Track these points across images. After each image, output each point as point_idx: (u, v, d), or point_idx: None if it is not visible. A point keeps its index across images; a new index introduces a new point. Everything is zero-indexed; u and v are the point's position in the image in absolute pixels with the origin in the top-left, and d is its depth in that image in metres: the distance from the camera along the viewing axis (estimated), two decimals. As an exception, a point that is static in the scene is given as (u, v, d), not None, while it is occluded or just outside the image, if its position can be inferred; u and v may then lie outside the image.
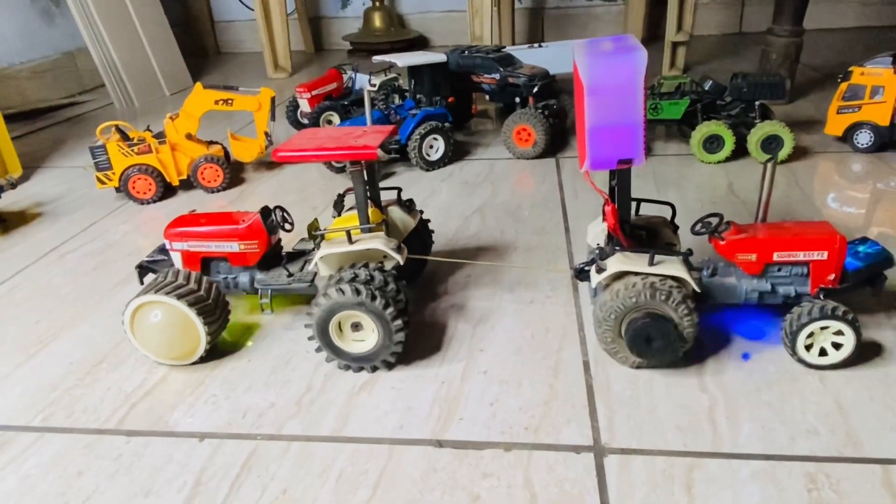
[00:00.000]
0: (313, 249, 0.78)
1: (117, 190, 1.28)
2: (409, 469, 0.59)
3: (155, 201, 1.27)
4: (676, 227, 0.77)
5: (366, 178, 0.75)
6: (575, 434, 0.61)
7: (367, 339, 0.71)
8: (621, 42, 0.64)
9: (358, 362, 0.71)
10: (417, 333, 0.78)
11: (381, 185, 0.90)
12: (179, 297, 0.71)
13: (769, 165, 0.71)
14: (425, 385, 0.69)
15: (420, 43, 2.77)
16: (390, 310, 0.68)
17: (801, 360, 0.67)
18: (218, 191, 1.30)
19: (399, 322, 0.69)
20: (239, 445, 0.63)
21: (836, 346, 0.66)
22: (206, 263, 0.82)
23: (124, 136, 1.26)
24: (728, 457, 0.57)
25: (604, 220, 0.70)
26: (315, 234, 0.76)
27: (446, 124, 1.34)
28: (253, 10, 2.31)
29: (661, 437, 0.60)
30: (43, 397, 0.72)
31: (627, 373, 0.69)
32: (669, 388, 0.66)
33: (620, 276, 0.67)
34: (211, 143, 1.35)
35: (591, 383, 0.68)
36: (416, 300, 0.86)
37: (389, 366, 0.72)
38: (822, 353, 0.67)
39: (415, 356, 0.74)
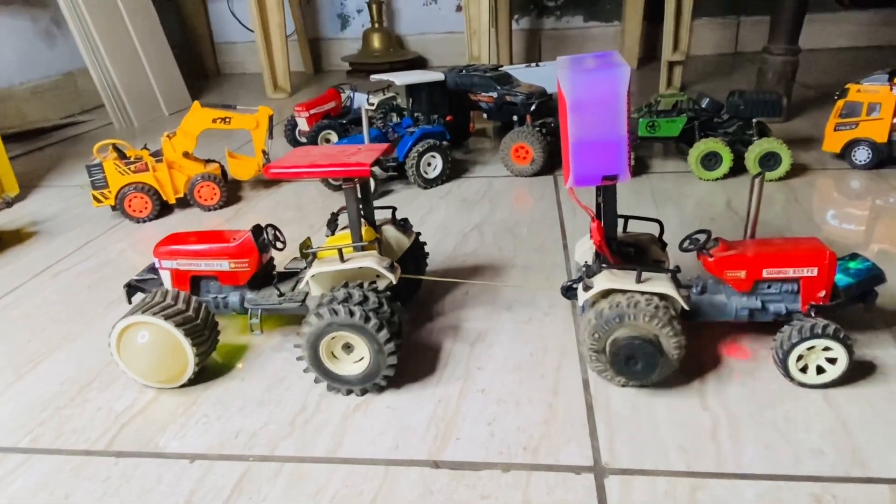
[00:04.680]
0: (305, 268, 0.77)
1: (113, 208, 1.28)
2: (405, 490, 0.57)
3: (151, 219, 1.27)
4: (665, 245, 0.76)
5: (359, 196, 0.74)
6: (575, 454, 0.60)
7: (358, 361, 0.69)
8: (605, 58, 0.64)
9: (348, 385, 0.69)
10: (414, 352, 0.77)
11: (378, 203, 0.90)
12: (167, 317, 0.70)
13: (757, 181, 0.70)
14: (422, 404, 0.68)
15: (419, 63, 2.80)
16: (384, 332, 0.66)
17: (800, 383, 0.66)
18: (215, 209, 1.29)
19: (392, 345, 0.67)
20: (230, 467, 0.61)
21: (832, 361, 0.65)
22: (195, 282, 0.81)
23: (121, 155, 1.26)
24: (732, 477, 0.56)
25: (591, 237, 0.69)
26: (307, 252, 0.75)
27: (444, 142, 1.34)
28: (253, 31, 2.33)
29: (663, 457, 0.59)
30: (32, 417, 0.70)
31: (628, 391, 0.67)
32: (671, 407, 0.65)
33: (607, 294, 0.66)
34: (208, 161, 1.35)
35: (591, 402, 0.66)
36: (413, 318, 0.85)
37: (380, 389, 0.70)
38: (820, 370, 0.65)
39: (411, 375, 0.73)
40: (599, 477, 0.57)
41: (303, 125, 1.58)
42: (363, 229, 0.74)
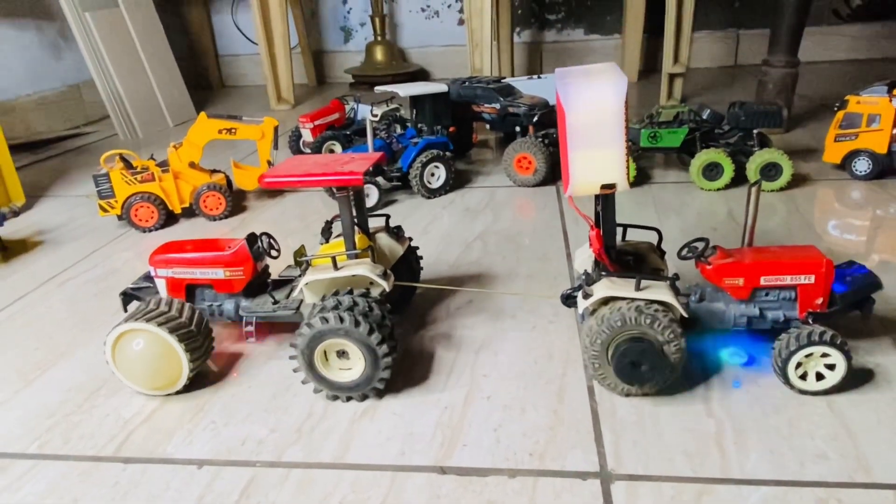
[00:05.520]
0: (299, 276, 0.77)
1: (119, 218, 1.28)
2: (412, 496, 0.57)
3: (157, 229, 1.28)
4: (663, 253, 0.77)
5: (353, 204, 0.74)
6: (581, 460, 0.60)
7: (353, 367, 0.69)
8: (602, 69, 0.65)
9: (347, 391, 0.70)
10: (419, 359, 0.78)
11: (381, 212, 0.90)
12: (160, 324, 0.70)
13: (753, 190, 0.71)
14: (427, 411, 0.68)
15: (421, 76, 2.82)
16: (375, 335, 0.67)
17: (800, 390, 0.66)
18: (220, 218, 1.30)
19: (385, 347, 0.67)
20: (238, 472, 0.61)
21: (831, 367, 0.65)
22: (190, 290, 0.81)
23: (128, 165, 1.27)
24: (737, 483, 0.56)
25: (590, 245, 0.70)
26: (301, 260, 0.76)
27: (447, 153, 1.35)
28: (257, 44, 2.35)
29: (669, 462, 0.59)
30: (40, 424, 0.71)
31: (632, 398, 0.68)
32: (675, 413, 0.65)
33: (607, 301, 0.66)
34: (214, 171, 1.36)
35: (596, 408, 0.67)
36: (417, 327, 0.85)
37: (380, 393, 0.71)
38: (820, 377, 0.66)
39: (416, 382, 0.73)
40: (605, 483, 0.57)
41: (307, 136, 1.59)
42: (356, 237, 0.74)
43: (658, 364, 0.64)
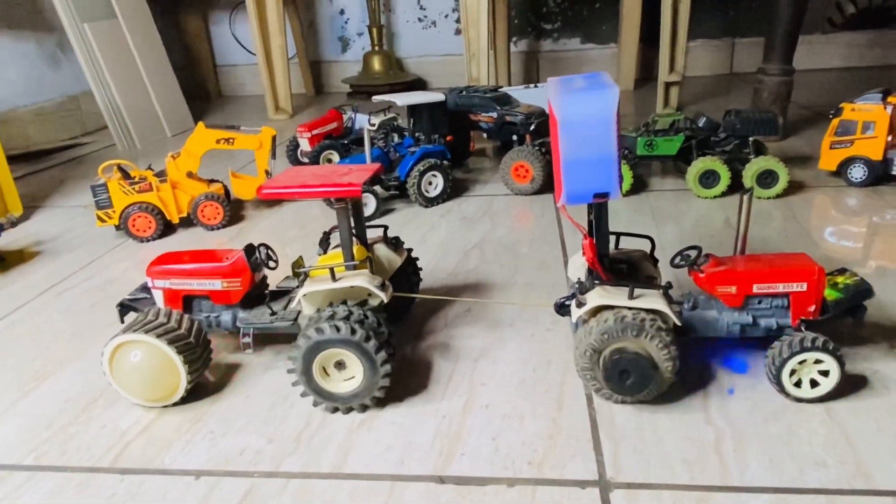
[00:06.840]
0: (297, 287, 0.77)
1: (117, 228, 1.28)
2: (411, 506, 0.57)
3: (154, 239, 1.27)
4: (656, 261, 0.77)
5: (351, 215, 0.75)
6: (580, 468, 0.60)
7: (352, 377, 0.69)
8: (594, 78, 0.65)
9: (344, 402, 0.69)
10: (417, 368, 0.78)
11: (378, 221, 0.91)
12: (160, 335, 0.70)
13: (745, 197, 0.71)
14: (426, 420, 0.68)
15: (418, 85, 2.83)
16: (373, 344, 0.67)
17: (795, 398, 0.66)
18: (218, 228, 1.30)
19: (383, 356, 0.67)
20: (236, 483, 0.61)
21: (824, 373, 0.65)
22: (188, 301, 0.81)
23: (126, 175, 1.27)
24: (737, 490, 0.56)
25: (583, 254, 0.70)
26: (299, 271, 0.76)
27: (445, 161, 1.35)
28: (255, 54, 2.36)
29: (668, 470, 0.59)
30: (37, 435, 0.70)
31: (631, 406, 0.68)
32: (674, 420, 0.65)
33: (600, 310, 0.67)
34: (212, 181, 1.36)
35: (594, 416, 0.67)
36: (416, 336, 0.85)
37: (378, 403, 0.70)
38: (814, 384, 0.66)
39: (415, 391, 0.73)
40: (604, 491, 0.57)
41: (305, 146, 1.60)
42: (355, 248, 0.74)
43: (648, 374, 0.64)
